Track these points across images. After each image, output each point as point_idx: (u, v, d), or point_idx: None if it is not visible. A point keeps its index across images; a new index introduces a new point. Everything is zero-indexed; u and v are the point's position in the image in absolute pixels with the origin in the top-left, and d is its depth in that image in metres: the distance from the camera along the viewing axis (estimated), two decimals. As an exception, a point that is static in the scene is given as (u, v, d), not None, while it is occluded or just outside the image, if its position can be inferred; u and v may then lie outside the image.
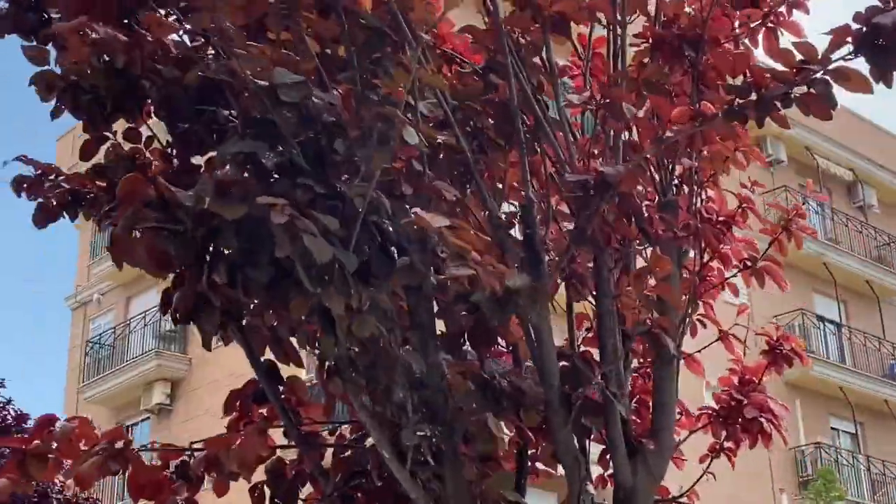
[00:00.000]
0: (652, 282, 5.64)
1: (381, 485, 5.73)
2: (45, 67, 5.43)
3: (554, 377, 5.56)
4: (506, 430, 5.95)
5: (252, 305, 5.57)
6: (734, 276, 5.93)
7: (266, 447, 5.85)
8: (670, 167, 5.99)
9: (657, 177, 6.02)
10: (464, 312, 6.19)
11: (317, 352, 5.40)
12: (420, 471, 5.38)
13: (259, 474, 6.18)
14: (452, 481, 5.52)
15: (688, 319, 6.03)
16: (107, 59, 5.21)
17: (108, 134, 5.77)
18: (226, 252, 5.18)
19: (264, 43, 5.22)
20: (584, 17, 5.66)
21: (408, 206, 5.27)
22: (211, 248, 5.26)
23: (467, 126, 6.07)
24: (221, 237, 5.01)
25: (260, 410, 6.19)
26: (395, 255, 5.43)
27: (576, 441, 5.70)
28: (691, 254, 6.11)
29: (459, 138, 5.55)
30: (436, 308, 5.97)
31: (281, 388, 6.05)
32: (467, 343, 6.25)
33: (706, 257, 5.98)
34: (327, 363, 5.49)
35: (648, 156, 5.44)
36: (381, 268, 5.43)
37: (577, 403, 5.49)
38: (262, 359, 5.91)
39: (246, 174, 5.21)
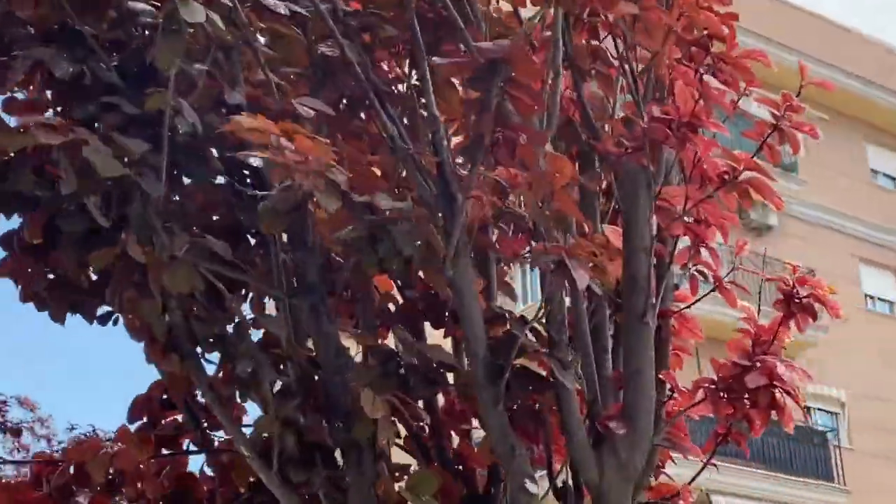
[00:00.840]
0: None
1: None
2: None
3: (479, 344, 4.27)
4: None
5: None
6: (711, 195, 4.44)
7: (148, 451, 4.74)
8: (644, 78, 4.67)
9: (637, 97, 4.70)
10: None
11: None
12: (296, 474, 4.16)
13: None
14: (355, 486, 4.29)
15: (675, 268, 4.66)
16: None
17: None
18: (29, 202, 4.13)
19: None
20: None
21: None
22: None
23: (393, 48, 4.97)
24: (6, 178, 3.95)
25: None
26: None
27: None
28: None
29: (345, 48, 4.39)
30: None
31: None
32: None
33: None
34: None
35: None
36: (248, 214, 4.33)
37: (506, 376, 4.17)
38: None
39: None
